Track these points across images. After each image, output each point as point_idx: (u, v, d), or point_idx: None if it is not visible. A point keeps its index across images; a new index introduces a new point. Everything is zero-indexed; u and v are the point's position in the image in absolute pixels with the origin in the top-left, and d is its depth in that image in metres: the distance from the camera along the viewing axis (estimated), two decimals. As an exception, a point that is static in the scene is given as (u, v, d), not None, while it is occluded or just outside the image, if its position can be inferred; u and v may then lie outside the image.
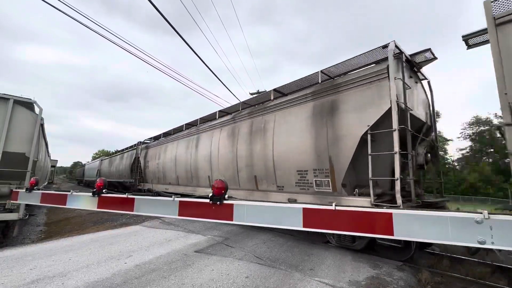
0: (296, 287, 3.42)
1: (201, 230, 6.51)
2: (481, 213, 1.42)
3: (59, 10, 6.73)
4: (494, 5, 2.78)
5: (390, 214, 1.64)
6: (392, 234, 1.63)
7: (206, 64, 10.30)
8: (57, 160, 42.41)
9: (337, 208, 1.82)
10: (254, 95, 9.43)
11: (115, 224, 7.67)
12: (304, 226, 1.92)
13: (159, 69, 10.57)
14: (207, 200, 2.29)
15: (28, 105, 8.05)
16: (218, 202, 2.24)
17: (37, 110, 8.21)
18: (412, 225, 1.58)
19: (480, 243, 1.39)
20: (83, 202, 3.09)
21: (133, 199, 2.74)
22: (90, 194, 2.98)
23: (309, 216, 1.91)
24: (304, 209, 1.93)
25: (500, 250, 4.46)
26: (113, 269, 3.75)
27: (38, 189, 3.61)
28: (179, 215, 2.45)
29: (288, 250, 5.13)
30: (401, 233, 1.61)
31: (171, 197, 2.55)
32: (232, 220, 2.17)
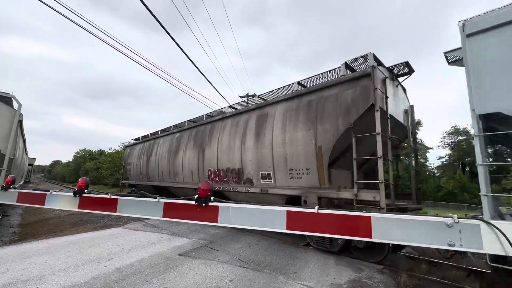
0: (280, 290, 3.44)
1: (185, 233, 6.41)
2: (451, 217, 1.52)
3: (42, 2, 6.48)
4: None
5: (369, 217, 1.71)
6: (371, 237, 1.70)
7: (195, 64, 10.25)
8: (35, 159, 40.32)
9: (320, 211, 1.87)
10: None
11: (95, 226, 7.41)
12: (287, 229, 1.95)
13: (148, 68, 10.41)
14: (193, 202, 2.28)
15: (6, 99, 7.69)
16: (203, 204, 2.24)
17: (15, 105, 7.85)
18: (389, 228, 1.66)
19: (450, 245, 1.48)
20: (63, 202, 2.98)
21: (117, 199, 2.68)
22: (71, 193, 2.88)
23: (293, 218, 1.95)
24: (288, 211, 1.96)
25: (474, 254, 4.70)
26: (92, 273, 3.63)
27: (15, 188, 3.45)
28: (164, 216, 2.42)
29: (272, 253, 5.15)
30: (379, 235, 1.67)
31: (156, 198, 2.52)
32: (217, 222, 2.18)
